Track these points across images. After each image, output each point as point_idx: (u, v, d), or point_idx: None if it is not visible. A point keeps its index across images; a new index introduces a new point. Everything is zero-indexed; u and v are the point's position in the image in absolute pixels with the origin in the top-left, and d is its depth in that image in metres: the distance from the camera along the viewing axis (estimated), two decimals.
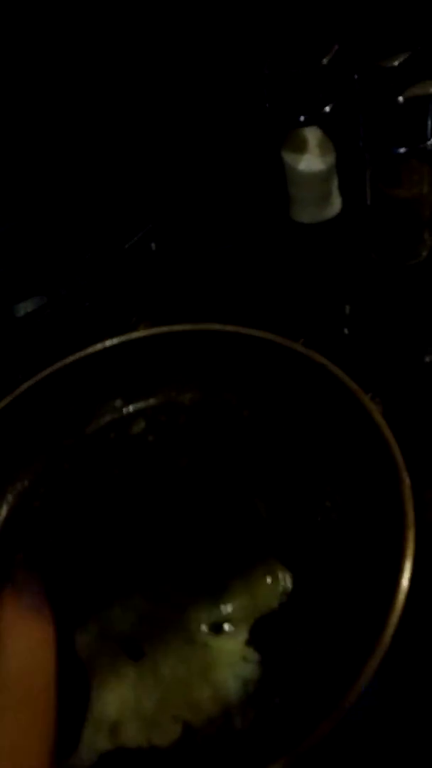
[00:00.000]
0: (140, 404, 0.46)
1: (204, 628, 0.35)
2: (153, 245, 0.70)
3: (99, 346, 0.45)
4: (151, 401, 0.46)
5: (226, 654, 0.34)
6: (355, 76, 0.52)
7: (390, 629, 0.28)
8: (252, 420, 0.44)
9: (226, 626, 0.35)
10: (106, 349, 0.45)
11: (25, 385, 0.43)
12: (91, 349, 0.45)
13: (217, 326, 0.44)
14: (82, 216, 0.68)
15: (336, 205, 0.67)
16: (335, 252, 0.65)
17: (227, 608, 0.36)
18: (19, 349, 0.57)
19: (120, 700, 0.34)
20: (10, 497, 0.41)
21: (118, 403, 0.46)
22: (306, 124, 0.60)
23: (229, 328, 0.44)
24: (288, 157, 0.63)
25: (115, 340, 0.45)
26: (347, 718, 0.26)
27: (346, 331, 0.59)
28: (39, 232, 0.67)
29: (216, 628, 0.35)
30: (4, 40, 0.57)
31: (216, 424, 0.45)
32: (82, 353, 0.44)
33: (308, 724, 0.27)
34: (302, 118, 0.59)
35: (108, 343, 0.45)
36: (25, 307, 0.64)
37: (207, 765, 0.31)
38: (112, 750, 0.33)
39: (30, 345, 0.57)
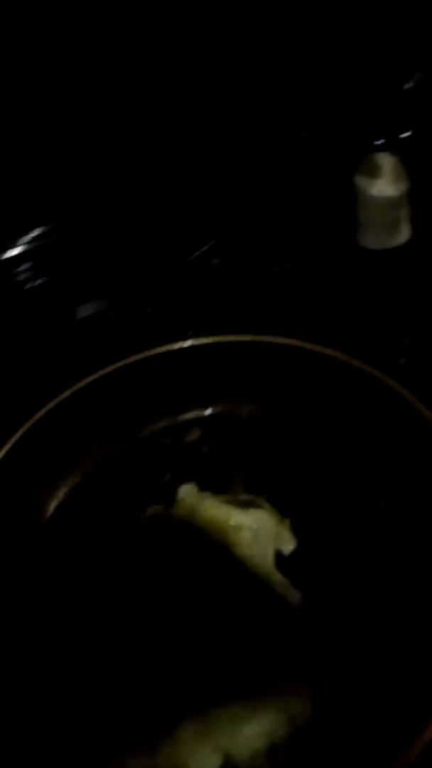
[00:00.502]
0: (197, 413, 0.45)
1: None
2: (216, 261, 0.70)
3: (162, 349, 0.44)
4: (209, 411, 0.45)
5: None
6: None
7: None
8: (310, 440, 0.43)
9: None
10: (168, 353, 0.44)
11: (86, 381, 0.42)
12: (153, 351, 0.44)
13: (282, 339, 0.44)
14: (149, 226, 0.68)
15: (405, 233, 0.66)
16: (401, 280, 0.64)
17: None
18: (78, 350, 0.57)
19: None
20: (61, 492, 0.41)
21: (174, 409, 0.45)
22: (383, 148, 0.59)
23: (295, 342, 0.43)
24: (360, 181, 0.62)
25: (178, 345, 0.45)
26: None
27: (402, 361, 0.58)
28: (105, 238, 0.67)
29: None
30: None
31: (272, 441, 0.43)
32: (144, 354, 0.44)
33: None
34: (379, 143, 0.58)
35: (172, 347, 0.45)
36: (85, 310, 0.65)
37: None
38: None
39: (90, 347, 0.57)
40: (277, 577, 0.37)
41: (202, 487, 0.42)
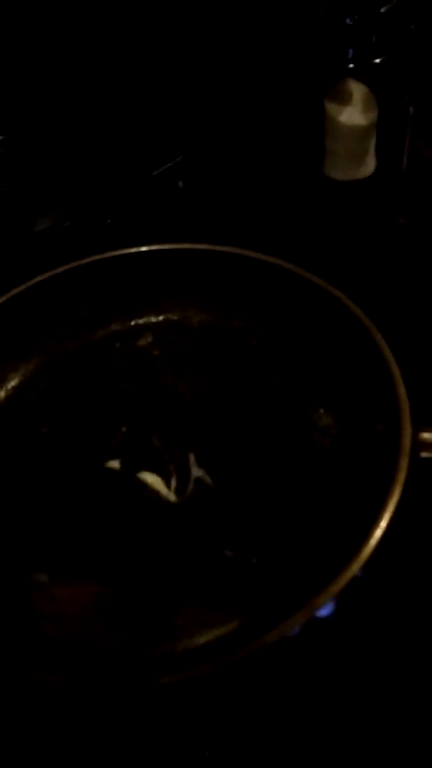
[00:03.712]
0: (150, 318, 0.46)
1: None
2: (180, 183, 0.69)
3: (117, 252, 0.45)
4: (161, 317, 0.46)
5: None
6: (412, 27, 0.51)
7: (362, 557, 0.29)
8: (258, 348, 0.44)
9: None
10: (123, 256, 0.45)
11: (41, 277, 0.42)
12: (109, 254, 0.45)
13: (236, 250, 0.44)
14: (113, 137, 0.67)
15: (370, 165, 0.66)
16: (362, 212, 0.65)
17: None
18: (36, 256, 0.56)
19: None
20: (10, 383, 0.42)
21: (127, 314, 0.46)
22: (355, 72, 0.59)
23: (248, 253, 0.44)
24: (330, 107, 0.62)
25: (134, 249, 0.45)
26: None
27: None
28: (67, 148, 0.66)
29: None
30: None
31: (221, 348, 0.44)
32: (99, 256, 0.44)
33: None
34: (351, 66, 0.58)
35: (127, 251, 0.45)
36: (43, 223, 0.64)
37: None
38: None
39: (48, 253, 0.56)
40: None
41: (148, 388, 0.43)
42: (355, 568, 0.29)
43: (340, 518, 0.34)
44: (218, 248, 0.44)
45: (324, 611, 0.30)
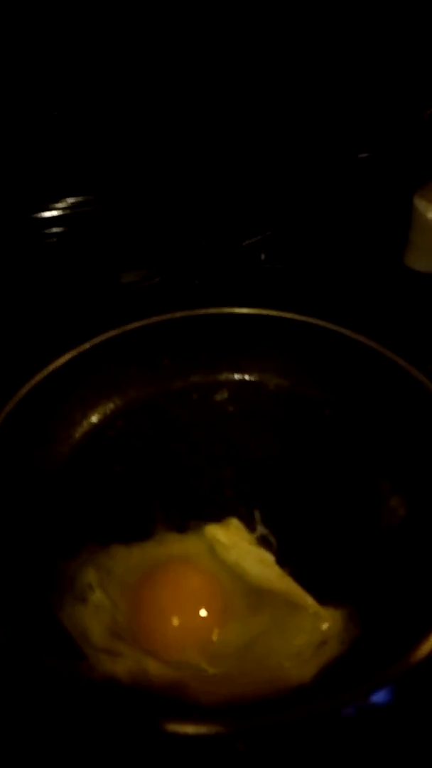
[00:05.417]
0: (229, 376, 0.47)
1: None
2: (263, 255, 0.73)
3: (204, 311, 0.47)
4: (239, 376, 0.48)
5: None
6: None
7: None
8: (332, 419, 0.45)
9: None
10: (210, 315, 0.47)
11: (135, 324, 0.45)
12: (197, 311, 0.47)
13: (322, 322, 0.46)
14: (209, 207, 0.71)
15: None
16: None
17: None
18: (127, 309, 0.59)
19: None
20: (92, 419, 0.43)
21: (208, 369, 0.48)
22: None
23: (334, 327, 0.45)
24: (420, 203, 0.65)
25: (223, 310, 0.47)
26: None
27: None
28: (163, 210, 0.70)
29: None
30: None
31: (295, 414, 0.45)
32: (189, 312, 0.47)
33: None
34: None
35: (213, 310, 0.47)
36: (130, 276, 0.68)
37: None
38: None
39: (137, 308, 0.59)
40: None
41: (220, 441, 0.44)
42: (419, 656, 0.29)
43: (402, 600, 0.34)
44: (304, 318, 0.46)
45: (381, 698, 0.29)
